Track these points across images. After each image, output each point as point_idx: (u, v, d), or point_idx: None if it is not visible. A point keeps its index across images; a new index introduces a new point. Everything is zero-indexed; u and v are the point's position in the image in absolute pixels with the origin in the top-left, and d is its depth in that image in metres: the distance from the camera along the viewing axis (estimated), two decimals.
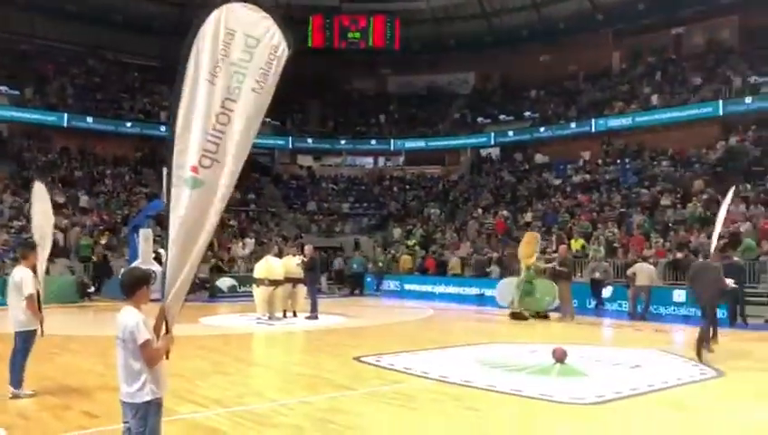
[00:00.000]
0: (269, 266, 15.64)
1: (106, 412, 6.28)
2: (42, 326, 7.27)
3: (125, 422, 3.95)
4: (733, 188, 14.84)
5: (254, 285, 15.92)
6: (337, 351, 11.02)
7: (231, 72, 3.74)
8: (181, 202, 3.75)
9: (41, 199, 8.45)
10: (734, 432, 6.18)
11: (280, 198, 35.14)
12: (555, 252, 21.10)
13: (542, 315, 16.43)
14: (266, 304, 15.49)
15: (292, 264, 15.87)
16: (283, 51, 3.90)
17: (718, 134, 26.86)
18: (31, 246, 7.72)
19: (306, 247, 16.63)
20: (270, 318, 15.30)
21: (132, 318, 3.83)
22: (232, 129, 3.76)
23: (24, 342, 7.13)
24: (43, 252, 7.91)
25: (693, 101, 27.87)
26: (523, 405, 7.03)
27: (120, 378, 3.92)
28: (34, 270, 7.35)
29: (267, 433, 5.81)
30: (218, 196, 3.81)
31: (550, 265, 17.13)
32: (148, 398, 3.85)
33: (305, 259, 15.78)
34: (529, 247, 16.99)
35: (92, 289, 20.50)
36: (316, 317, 15.20)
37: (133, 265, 18.29)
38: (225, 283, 22.61)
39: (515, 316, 16.18)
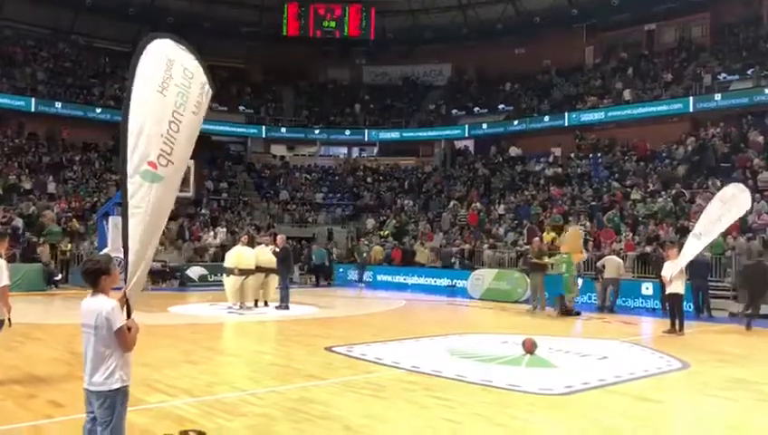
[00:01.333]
0: (239, 256, 15.56)
1: (71, 401, 6.18)
2: (9, 316, 7.11)
3: (89, 412, 3.90)
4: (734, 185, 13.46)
5: (224, 275, 15.86)
6: (308, 341, 10.99)
7: (177, 91, 4.19)
8: (139, 194, 3.98)
9: None
10: (698, 423, 6.30)
11: (253, 188, 34.90)
12: (527, 244, 21.34)
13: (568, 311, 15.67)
14: (237, 293, 15.46)
15: (264, 253, 15.81)
16: (209, 91, 4.40)
17: (688, 130, 27.28)
18: (2, 235, 7.55)
19: (279, 237, 16.53)
20: (240, 307, 15.25)
21: (107, 304, 3.78)
22: (181, 136, 4.16)
23: None
24: None
25: (664, 97, 28.27)
26: (492, 395, 7.08)
27: (86, 367, 3.86)
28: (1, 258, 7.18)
29: (236, 422, 5.77)
30: (173, 191, 4.20)
31: (552, 259, 16.63)
32: (117, 385, 3.80)
33: (277, 249, 15.71)
34: (576, 242, 16.53)
35: (59, 277, 20.14)
36: (287, 307, 15.14)
37: (102, 252, 18.04)
38: (195, 272, 22.40)
39: (565, 313, 15.38)
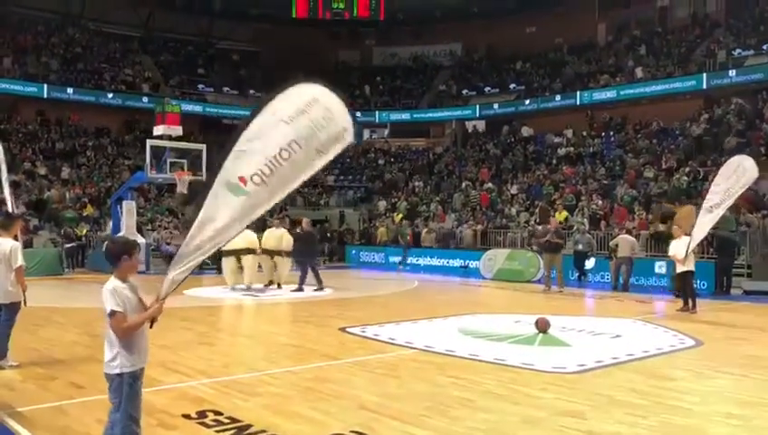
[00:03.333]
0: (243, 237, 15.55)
1: (91, 383, 6.30)
2: (24, 296, 7.23)
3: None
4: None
5: (223, 257, 15.83)
6: (322, 322, 11.09)
7: (306, 125, 4.14)
8: (217, 202, 3.98)
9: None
10: (709, 400, 6.32)
11: None
12: (539, 224, 21.30)
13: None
14: (232, 274, 15.73)
15: (274, 236, 15.93)
16: (347, 137, 4.35)
17: (702, 107, 27.01)
18: (13, 217, 7.65)
19: (304, 221, 16.76)
20: (233, 289, 15.50)
21: (105, 289, 3.81)
22: (287, 164, 4.12)
23: (14, 313, 7.08)
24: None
25: (677, 74, 27.97)
26: (505, 373, 7.14)
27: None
28: (16, 240, 7.28)
29: (253, 402, 5.86)
30: (257, 210, 4.15)
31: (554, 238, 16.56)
32: (117, 371, 3.82)
33: (302, 232, 15.93)
34: (688, 221, 16.27)
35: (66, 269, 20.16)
36: (301, 290, 15.26)
37: (113, 236, 18.23)
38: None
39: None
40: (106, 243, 4.09)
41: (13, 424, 5.12)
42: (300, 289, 15.30)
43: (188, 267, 3.95)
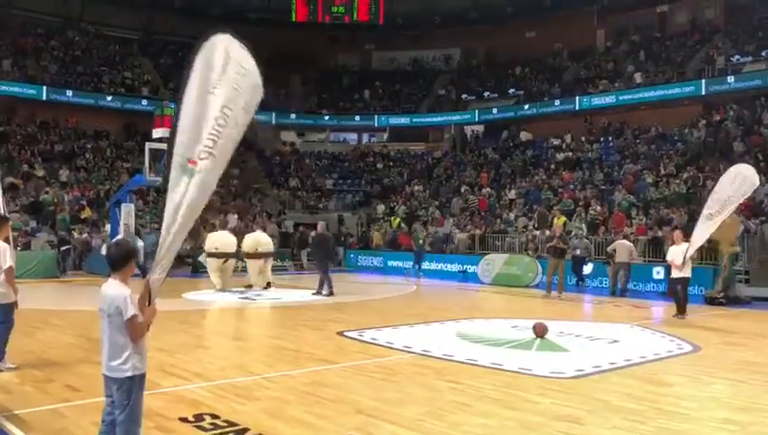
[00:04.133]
0: (221, 240, 16.46)
1: (88, 386, 6.30)
2: (16, 298, 7.19)
3: (108, 396, 3.96)
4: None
5: (207, 258, 16.64)
6: (319, 326, 11.08)
7: (230, 86, 4.19)
8: (179, 189, 4.01)
9: None
10: (707, 406, 6.32)
11: (263, 174, 34.97)
12: (537, 229, 21.32)
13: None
14: (217, 275, 16.25)
15: (261, 238, 16.62)
16: (259, 95, 4.41)
17: (700, 113, 27.07)
18: (3, 219, 7.64)
19: (319, 224, 16.89)
20: (220, 291, 15.95)
21: (120, 292, 3.82)
22: (226, 131, 4.17)
23: (7, 314, 7.06)
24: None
25: (676, 80, 28.03)
26: (503, 378, 7.14)
27: (103, 352, 3.92)
28: (7, 242, 7.23)
29: (250, 406, 5.85)
30: (210, 184, 4.18)
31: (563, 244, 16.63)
32: (130, 373, 3.85)
33: (317, 235, 16.08)
34: (733, 232, 15.94)
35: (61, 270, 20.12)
36: (331, 294, 15.32)
37: (115, 239, 18.18)
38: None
39: (713, 301, 15.15)
40: (109, 247, 4.07)
41: (10, 427, 5.11)
42: (319, 292, 15.36)
43: (168, 263, 4.01)
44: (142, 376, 3.94)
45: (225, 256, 16.41)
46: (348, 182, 35.07)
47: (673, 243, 12.81)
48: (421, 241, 23.46)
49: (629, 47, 32.57)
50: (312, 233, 17.08)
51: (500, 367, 7.68)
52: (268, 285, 16.72)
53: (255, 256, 16.55)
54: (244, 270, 17.61)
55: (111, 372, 3.86)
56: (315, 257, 16.01)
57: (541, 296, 16.27)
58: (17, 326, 8.08)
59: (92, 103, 31.31)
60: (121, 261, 3.95)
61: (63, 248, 20.89)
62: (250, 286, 16.71)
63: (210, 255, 16.52)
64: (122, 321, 3.79)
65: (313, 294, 15.47)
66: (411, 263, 23.27)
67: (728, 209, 12.21)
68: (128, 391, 3.86)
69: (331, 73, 40.50)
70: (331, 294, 15.36)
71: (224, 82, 4.16)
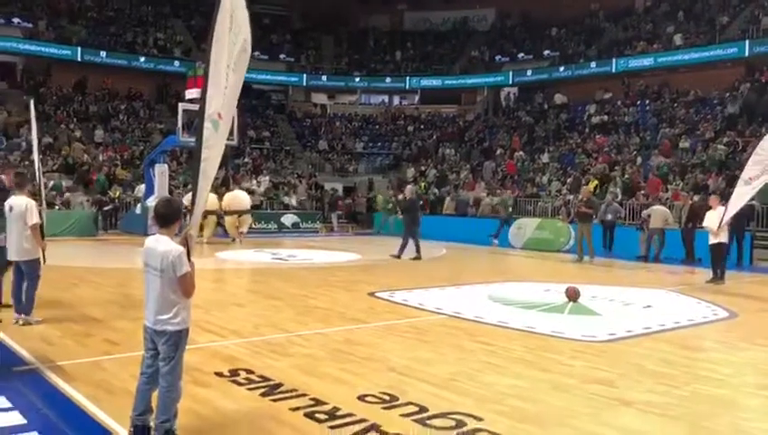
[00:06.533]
0: (235, 199, 19.29)
1: (126, 340, 6.45)
2: (44, 254, 7.30)
3: (150, 349, 4.03)
4: None
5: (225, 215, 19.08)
6: (351, 286, 11.16)
7: (231, 45, 4.18)
8: (210, 142, 4.08)
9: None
10: (742, 372, 6.24)
11: (294, 137, 35.02)
12: (570, 194, 21.06)
13: None
14: (234, 227, 19.12)
15: (237, 196, 19.33)
16: (248, 48, 4.30)
17: (743, 76, 26.24)
18: (27, 175, 7.74)
19: (407, 189, 17.05)
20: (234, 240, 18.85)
21: (174, 249, 3.85)
22: (229, 91, 4.22)
23: (34, 270, 7.13)
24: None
25: (718, 41, 27.12)
26: (534, 341, 7.13)
27: (149, 306, 3.97)
28: (33, 198, 7.32)
29: (284, 362, 5.94)
30: (224, 140, 4.31)
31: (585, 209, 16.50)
32: (180, 327, 3.93)
33: (405, 199, 16.27)
34: None
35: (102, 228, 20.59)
36: (419, 257, 15.33)
37: (150, 199, 18.48)
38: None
39: None
40: (158, 203, 4.10)
41: (53, 377, 5.27)
42: (399, 256, 15.39)
43: (197, 218, 4.13)
44: (187, 330, 4.02)
45: (237, 213, 19.02)
46: (378, 145, 34.93)
47: (710, 208, 12.54)
48: (510, 209, 21.62)
49: (669, 8, 31.54)
50: (400, 196, 17.31)
51: (532, 330, 7.66)
52: (233, 239, 19.03)
53: (230, 212, 18.98)
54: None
55: (159, 326, 3.92)
56: (404, 221, 16.10)
57: (572, 261, 16.13)
58: (57, 282, 8.30)
59: (126, 64, 31.51)
60: (171, 217, 3.99)
61: (106, 208, 21.35)
62: (233, 240, 19.07)
63: (226, 213, 18.90)
64: (175, 276, 3.84)
65: (392, 256, 15.46)
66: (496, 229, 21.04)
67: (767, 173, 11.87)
68: (175, 345, 3.94)
69: (363, 35, 40.05)
70: (418, 257, 15.29)
71: (229, 40, 4.16)
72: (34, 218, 6.99)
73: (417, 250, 15.47)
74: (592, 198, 17.17)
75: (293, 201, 25.68)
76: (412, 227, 15.93)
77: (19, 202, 7.05)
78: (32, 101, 9.00)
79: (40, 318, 7.23)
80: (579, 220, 16.38)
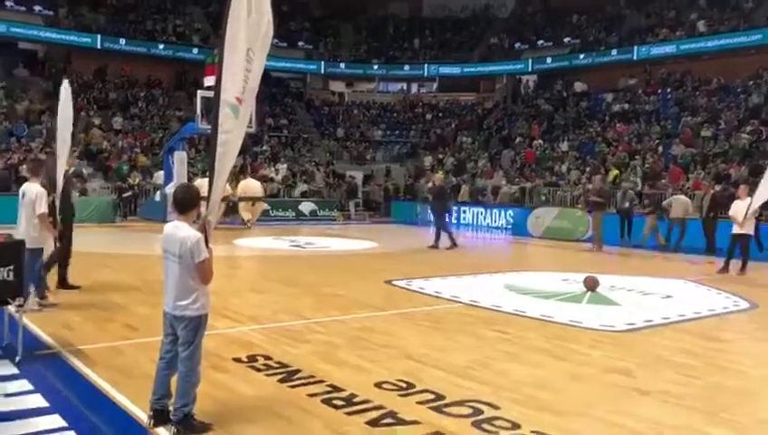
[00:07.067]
0: (248, 186, 20.25)
1: (146, 325, 6.52)
2: (56, 240, 7.36)
3: (169, 334, 4.06)
4: None
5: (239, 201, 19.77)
6: (368, 274, 11.19)
7: (252, 25, 4.12)
8: (228, 126, 4.05)
9: (65, 102, 8.27)
10: (763, 363, 6.18)
11: (312, 124, 35.01)
12: (589, 183, 20.87)
13: None
14: (247, 212, 19.97)
15: (249, 184, 20.10)
16: (270, 29, 4.24)
17: (767, 63, 25.77)
18: (40, 162, 7.78)
19: (436, 176, 17.05)
20: (248, 225, 19.67)
21: (193, 235, 3.87)
22: (251, 75, 4.14)
23: (34, 259, 7.02)
24: (60, 160, 7.88)
25: (742, 27, 26.62)
26: (552, 330, 7.10)
27: (168, 291, 4.00)
28: (47, 184, 7.33)
29: (301, 348, 5.97)
30: (244, 126, 4.22)
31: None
32: (199, 312, 3.97)
33: (434, 187, 16.21)
34: None
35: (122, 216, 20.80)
36: (455, 245, 15.23)
37: (169, 186, 18.59)
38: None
39: None
40: (176, 190, 4.12)
41: (74, 361, 5.34)
42: (436, 245, 15.24)
43: (215, 204, 4.07)
44: (206, 316, 4.05)
45: (251, 199, 19.95)
46: (396, 133, 34.83)
47: (739, 198, 12.36)
48: (543, 197, 21.22)
49: None
50: (429, 184, 17.32)
51: (549, 319, 7.63)
52: (247, 221, 19.71)
53: (245, 198, 19.86)
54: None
55: (178, 311, 3.95)
56: (433, 210, 16.05)
57: (590, 251, 16.03)
58: (77, 268, 8.40)
59: (145, 52, 31.62)
60: (189, 203, 4.01)
61: (125, 195, 21.55)
62: (247, 222, 19.78)
63: (240, 199, 19.72)
64: (193, 263, 3.87)
65: (430, 247, 15.27)
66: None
67: None
68: (194, 330, 3.97)
69: (382, 22, 39.84)
70: (454, 245, 15.17)
71: (251, 21, 4.12)
72: (42, 208, 7.00)
73: (450, 238, 15.30)
74: (604, 187, 17.05)
75: (303, 187, 25.47)
76: (442, 215, 15.87)
77: (31, 189, 7.09)
78: (66, 82, 8.89)
79: (37, 307, 7.13)
80: (592, 209, 16.32)
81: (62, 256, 8.21)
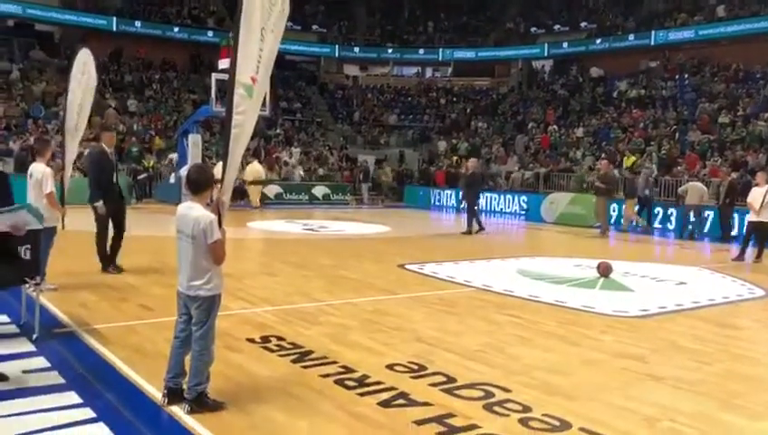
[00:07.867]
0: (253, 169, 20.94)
1: (160, 305, 6.58)
2: (63, 220, 7.39)
3: (183, 314, 4.10)
4: None
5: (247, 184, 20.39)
6: (381, 258, 11.21)
7: (265, 6, 4.11)
8: (242, 108, 4.06)
9: (82, 71, 8.11)
10: None
11: (326, 108, 34.96)
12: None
13: None
14: (255, 194, 20.77)
15: (254, 168, 20.77)
16: (286, 9, 4.27)
17: None
18: (46, 142, 7.81)
19: (471, 162, 17.02)
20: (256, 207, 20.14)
21: (206, 216, 3.89)
22: (264, 55, 4.15)
23: (48, 238, 7.00)
24: (77, 133, 7.89)
25: (764, 12, 26.16)
26: (565, 315, 7.09)
27: (182, 271, 4.03)
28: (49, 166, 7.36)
29: (314, 330, 6.00)
30: (258, 107, 4.26)
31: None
32: (213, 292, 4.00)
33: (467, 172, 16.22)
34: None
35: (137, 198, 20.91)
36: (481, 229, 15.39)
37: (183, 169, 18.66)
38: (272, 190, 22.95)
39: None
40: (190, 171, 4.13)
41: (89, 339, 5.41)
42: (469, 231, 15.29)
43: (229, 184, 4.11)
44: (220, 296, 4.08)
45: (258, 182, 20.78)
46: (410, 117, 34.70)
47: (757, 184, 12.23)
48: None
49: None
50: (462, 170, 17.28)
51: (562, 304, 7.62)
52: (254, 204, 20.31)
53: (257, 182, 20.72)
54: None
55: (192, 291, 3.98)
56: (466, 195, 16.07)
57: (602, 236, 15.96)
58: (93, 249, 8.46)
59: (160, 34, 31.67)
60: (203, 183, 4.02)
61: (140, 177, 21.66)
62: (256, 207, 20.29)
63: (252, 183, 20.45)
64: (206, 243, 3.89)
65: (463, 233, 15.31)
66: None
67: None
68: (207, 310, 4.00)
69: (396, 5, 39.57)
70: (481, 229, 15.37)
71: (262, 4, 4.11)
72: (49, 187, 7.03)
73: (469, 224, 15.38)
74: (610, 172, 16.95)
75: (300, 171, 25.22)
76: (474, 201, 15.92)
77: (37, 169, 7.09)
78: (86, 49, 8.56)
79: (53, 285, 7.15)
80: (596, 194, 16.26)
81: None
